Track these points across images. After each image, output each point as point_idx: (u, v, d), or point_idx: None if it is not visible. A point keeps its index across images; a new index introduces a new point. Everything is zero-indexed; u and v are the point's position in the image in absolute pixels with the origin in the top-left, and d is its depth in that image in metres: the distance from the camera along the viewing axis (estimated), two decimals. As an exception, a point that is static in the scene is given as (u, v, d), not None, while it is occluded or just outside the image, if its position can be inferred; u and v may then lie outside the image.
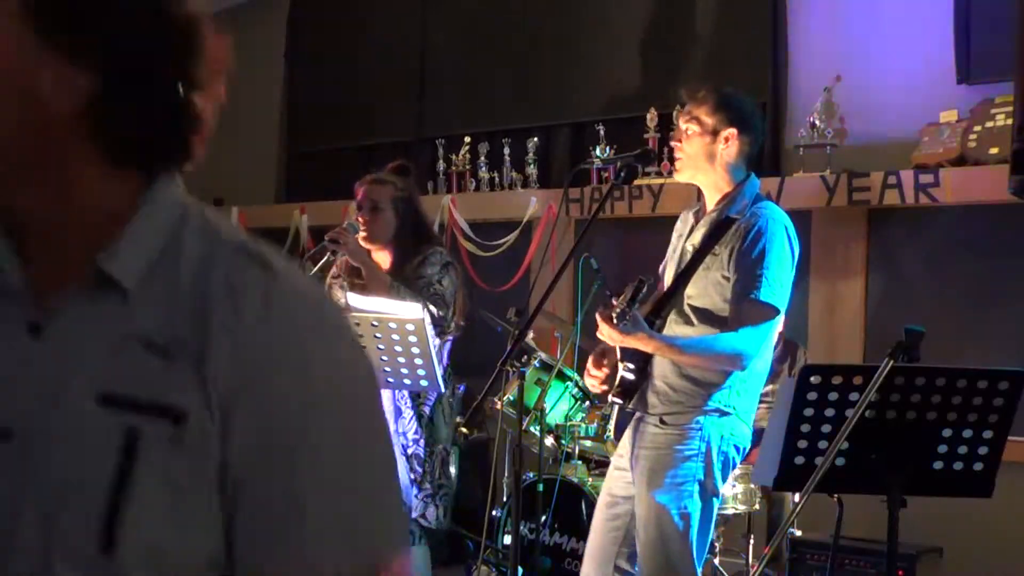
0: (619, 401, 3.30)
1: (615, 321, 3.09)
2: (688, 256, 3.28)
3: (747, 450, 3.30)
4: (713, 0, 5.53)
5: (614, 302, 3.18)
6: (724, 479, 3.22)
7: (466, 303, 4.11)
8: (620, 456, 3.37)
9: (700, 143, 3.26)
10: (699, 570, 3.20)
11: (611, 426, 3.43)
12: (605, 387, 3.33)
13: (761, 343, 3.13)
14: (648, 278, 3.22)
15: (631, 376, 3.26)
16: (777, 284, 3.12)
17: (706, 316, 3.21)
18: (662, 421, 3.21)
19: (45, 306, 1.03)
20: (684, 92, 3.37)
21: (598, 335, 3.20)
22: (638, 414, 3.29)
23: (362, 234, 3.96)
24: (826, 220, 5.01)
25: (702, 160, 3.27)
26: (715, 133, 3.24)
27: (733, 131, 3.24)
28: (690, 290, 3.23)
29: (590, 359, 3.37)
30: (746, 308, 3.12)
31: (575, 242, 4.81)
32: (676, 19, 5.65)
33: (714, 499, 3.20)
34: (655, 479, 3.18)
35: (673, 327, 3.25)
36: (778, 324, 3.22)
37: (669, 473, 3.15)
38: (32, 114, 0.99)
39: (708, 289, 3.20)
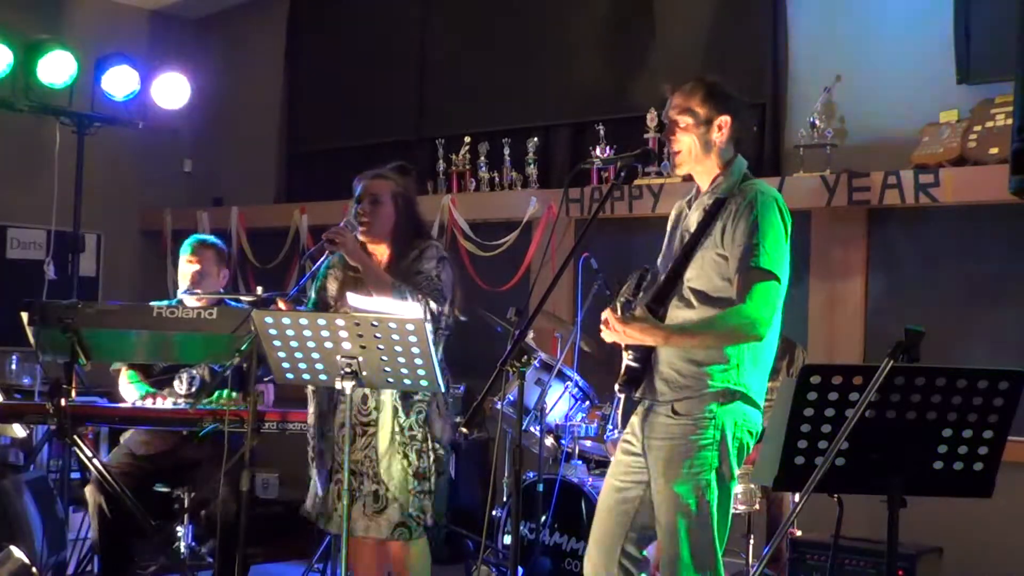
0: (626, 390, 3.31)
1: (619, 312, 3.11)
2: (684, 241, 3.30)
3: (760, 434, 3.30)
4: (713, 0, 5.53)
5: (618, 297, 3.21)
6: (740, 464, 3.24)
7: (461, 298, 4.11)
8: (628, 443, 3.37)
9: (696, 134, 3.30)
10: (721, 552, 3.22)
11: (618, 412, 3.43)
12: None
13: (771, 310, 3.15)
14: (652, 267, 3.24)
15: (636, 364, 3.27)
16: (774, 252, 3.15)
17: (705, 298, 3.22)
18: (674, 411, 3.22)
19: None
20: (669, 88, 3.40)
21: (603, 336, 3.22)
22: (646, 402, 3.31)
23: (362, 227, 3.96)
24: (826, 220, 5.01)
25: (700, 150, 3.31)
26: (709, 122, 3.29)
27: (727, 118, 3.29)
28: (689, 273, 3.25)
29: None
30: (748, 276, 3.14)
31: (575, 242, 4.82)
32: (676, 19, 5.65)
33: (732, 483, 3.22)
34: (672, 469, 3.20)
35: (674, 311, 3.27)
36: (782, 293, 3.23)
37: (686, 463, 3.17)
38: None
39: (705, 269, 3.22)
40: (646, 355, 3.27)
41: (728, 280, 3.19)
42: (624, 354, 3.28)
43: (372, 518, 3.87)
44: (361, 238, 3.97)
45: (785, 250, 3.21)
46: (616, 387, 3.32)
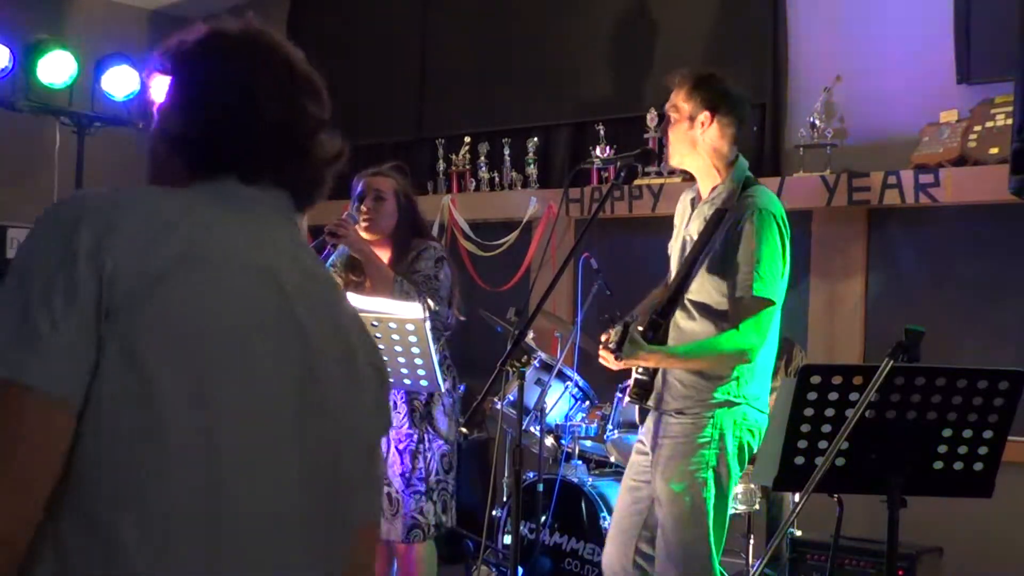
0: (637, 401, 3.38)
1: (613, 352, 3.16)
2: (687, 248, 3.32)
3: (764, 432, 3.32)
4: (713, 0, 5.53)
5: (604, 337, 3.25)
6: (742, 465, 3.26)
7: (461, 297, 4.12)
8: (641, 443, 3.43)
9: (680, 130, 3.30)
10: (716, 555, 3.23)
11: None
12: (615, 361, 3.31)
13: (762, 334, 3.18)
14: (634, 317, 3.28)
15: (645, 377, 3.33)
16: (769, 277, 3.16)
17: (705, 310, 3.25)
18: (677, 411, 3.26)
19: None
20: (667, 80, 3.40)
21: (601, 363, 3.28)
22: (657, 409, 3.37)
23: (363, 223, 3.95)
24: (826, 220, 5.00)
25: (685, 147, 3.31)
26: (692, 119, 3.27)
27: (706, 114, 3.26)
28: (692, 285, 3.27)
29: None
30: (743, 305, 3.17)
31: (575, 242, 4.81)
32: (676, 19, 5.65)
33: (730, 482, 3.24)
34: (670, 467, 3.24)
35: (678, 321, 3.29)
36: (776, 312, 3.25)
37: (683, 461, 3.22)
38: None
39: (705, 284, 3.25)
40: (654, 368, 3.32)
41: (726, 296, 3.21)
42: (633, 368, 3.34)
43: (391, 521, 3.88)
44: (363, 235, 3.96)
45: (781, 268, 3.22)
46: (627, 398, 3.38)
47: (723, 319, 3.22)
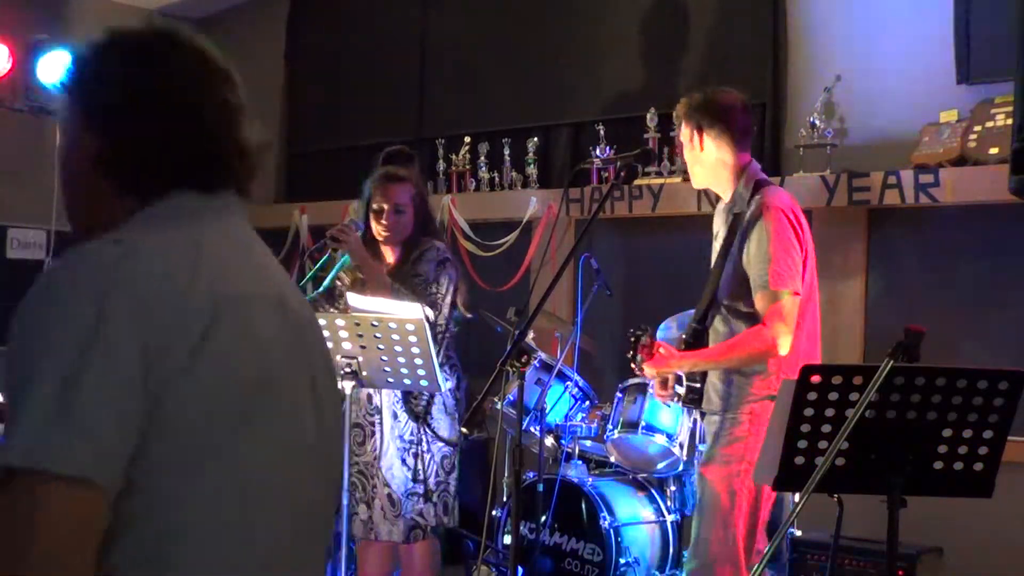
0: (692, 407, 3.54)
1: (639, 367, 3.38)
2: (716, 254, 3.49)
3: None
4: (713, 0, 5.53)
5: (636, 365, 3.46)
6: None
7: (468, 294, 4.13)
8: None
9: (687, 153, 3.51)
10: (741, 545, 3.32)
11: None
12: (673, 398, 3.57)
13: (790, 326, 3.28)
14: (644, 328, 3.41)
15: (697, 384, 3.50)
16: (784, 269, 3.30)
17: (735, 313, 3.42)
18: (720, 411, 3.40)
19: None
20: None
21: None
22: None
23: (383, 235, 3.98)
24: (826, 220, 5.00)
25: (697, 167, 3.53)
26: (691, 141, 3.47)
27: (696, 135, 3.45)
28: (720, 290, 3.42)
29: (656, 384, 3.59)
30: (764, 301, 3.30)
31: (575, 242, 4.81)
32: (676, 19, 5.65)
33: None
34: (709, 459, 3.42)
35: (717, 325, 3.45)
36: (797, 300, 3.35)
37: (721, 455, 3.36)
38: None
39: (732, 287, 3.39)
40: (702, 373, 3.46)
41: (751, 297, 3.34)
42: (683, 375, 3.47)
43: (394, 522, 3.88)
44: (380, 242, 4.01)
45: (797, 259, 3.33)
46: (682, 405, 3.57)
47: (754, 319, 3.34)
